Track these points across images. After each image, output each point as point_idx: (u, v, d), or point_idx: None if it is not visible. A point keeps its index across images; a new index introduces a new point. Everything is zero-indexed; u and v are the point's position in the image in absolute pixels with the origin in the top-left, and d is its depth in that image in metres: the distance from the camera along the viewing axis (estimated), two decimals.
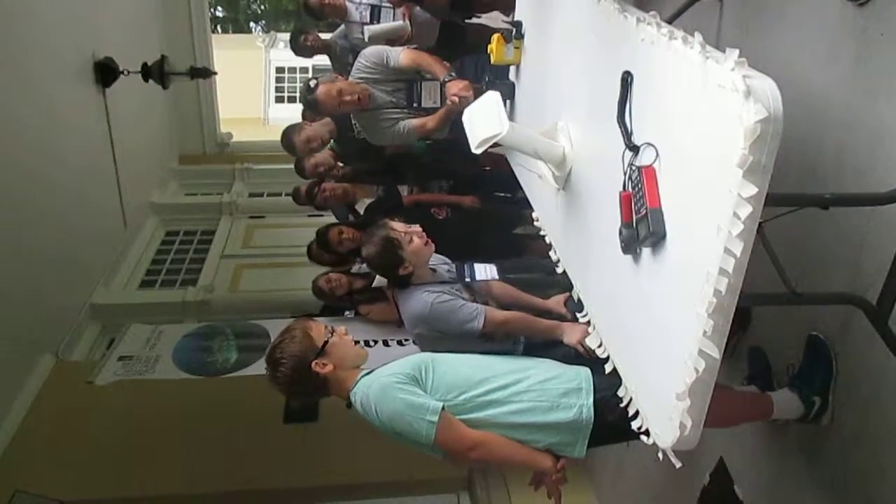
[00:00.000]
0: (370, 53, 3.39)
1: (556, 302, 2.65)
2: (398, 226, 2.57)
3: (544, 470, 1.97)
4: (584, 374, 2.05)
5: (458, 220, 4.01)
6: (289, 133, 4.16)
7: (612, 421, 1.87)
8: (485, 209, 4.11)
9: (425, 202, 4.21)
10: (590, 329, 1.91)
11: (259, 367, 4.61)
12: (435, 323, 2.47)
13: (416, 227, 2.63)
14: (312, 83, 3.29)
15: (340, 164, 4.51)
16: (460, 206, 4.09)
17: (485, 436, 1.94)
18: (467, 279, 2.68)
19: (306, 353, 2.01)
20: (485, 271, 2.74)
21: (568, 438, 1.97)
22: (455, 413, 1.93)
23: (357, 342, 2.19)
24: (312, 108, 3.38)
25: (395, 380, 1.95)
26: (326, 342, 2.04)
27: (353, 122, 3.69)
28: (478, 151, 1.94)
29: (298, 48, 4.78)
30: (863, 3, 1.90)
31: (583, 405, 1.97)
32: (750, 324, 2.43)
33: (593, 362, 2.00)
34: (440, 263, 2.73)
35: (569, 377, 2.05)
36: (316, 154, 4.29)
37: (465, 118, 2.00)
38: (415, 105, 3.42)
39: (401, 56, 3.31)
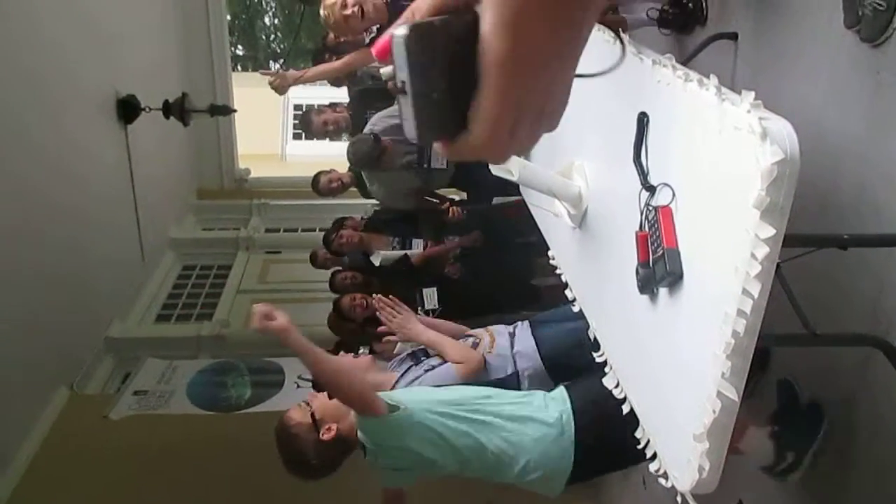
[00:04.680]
0: None
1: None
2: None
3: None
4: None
5: (473, 276, 4.01)
6: (308, 112, 4.57)
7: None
8: (497, 265, 4.11)
9: (433, 257, 4.24)
10: (606, 369, 1.90)
11: (273, 404, 4.60)
12: None
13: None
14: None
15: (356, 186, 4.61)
16: (467, 250, 4.10)
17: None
18: None
19: (310, 434, 2.07)
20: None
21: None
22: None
23: None
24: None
25: None
26: (312, 414, 2.08)
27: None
28: (495, 172, 1.95)
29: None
30: (878, 44, 1.91)
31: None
32: (769, 364, 2.40)
33: (586, 370, 2.04)
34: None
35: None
36: (333, 172, 4.50)
37: None
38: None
39: None
